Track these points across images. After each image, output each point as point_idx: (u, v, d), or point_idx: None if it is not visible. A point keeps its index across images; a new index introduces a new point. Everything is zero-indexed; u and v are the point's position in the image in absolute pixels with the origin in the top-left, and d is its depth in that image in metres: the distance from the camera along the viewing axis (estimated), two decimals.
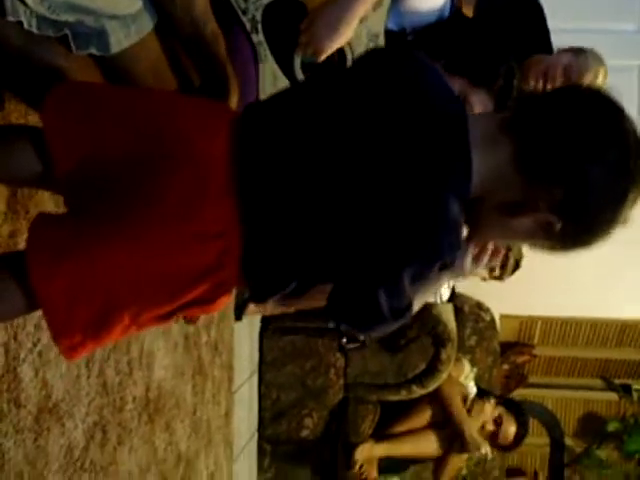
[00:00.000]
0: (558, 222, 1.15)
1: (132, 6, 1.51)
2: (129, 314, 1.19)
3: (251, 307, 3.62)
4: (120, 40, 1.50)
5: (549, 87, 2.50)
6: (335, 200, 1.16)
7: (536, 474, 5.35)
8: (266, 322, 4.06)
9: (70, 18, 1.43)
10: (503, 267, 3.58)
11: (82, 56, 1.48)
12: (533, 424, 5.09)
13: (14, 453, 1.65)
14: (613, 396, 5.65)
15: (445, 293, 3.79)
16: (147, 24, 1.55)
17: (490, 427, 3.95)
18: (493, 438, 3.95)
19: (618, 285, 5.01)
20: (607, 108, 1.14)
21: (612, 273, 5.02)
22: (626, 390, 5.60)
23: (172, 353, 2.66)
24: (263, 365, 4.02)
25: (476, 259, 1.40)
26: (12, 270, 1.17)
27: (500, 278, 3.63)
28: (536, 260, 4.25)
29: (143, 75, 1.57)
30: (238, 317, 3.55)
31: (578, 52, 2.91)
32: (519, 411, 4.08)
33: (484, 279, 3.67)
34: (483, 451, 3.89)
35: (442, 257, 1.16)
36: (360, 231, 1.15)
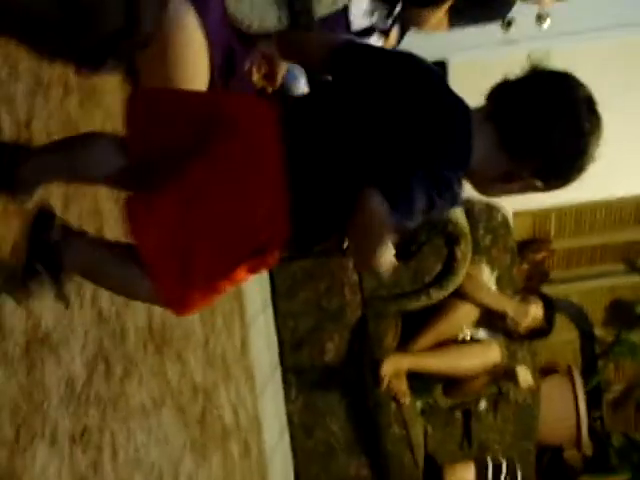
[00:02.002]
0: (540, 182, 1.53)
1: None
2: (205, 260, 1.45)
3: None
4: None
5: None
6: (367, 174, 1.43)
7: (570, 369, 5.24)
8: None
9: None
10: None
11: None
12: (560, 320, 4.97)
13: (6, 386, 1.52)
14: (637, 278, 5.52)
15: None
16: None
17: None
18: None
19: (627, 161, 4.86)
20: (560, 89, 1.50)
21: (620, 151, 4.86)
22: None
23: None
24: (276, 296, 3.89)
25: None
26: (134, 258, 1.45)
27: None
28: None
29: None
30: None
31: None
32: (540, 293, 3.98)
33: None
34: (531, 315, 3.78)
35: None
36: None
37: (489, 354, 3.83)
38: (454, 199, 1.48)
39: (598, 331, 5.51)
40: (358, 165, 1.46)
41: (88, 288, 1.92)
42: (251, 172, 1.44)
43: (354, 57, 1.58)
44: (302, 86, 2.55)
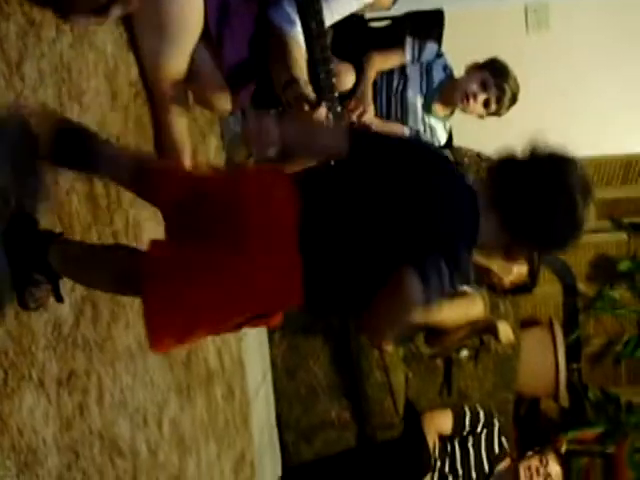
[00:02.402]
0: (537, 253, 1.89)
1: None
2: (208, 325, 1.60)
3: None
4: None
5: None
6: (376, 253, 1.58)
7: (551, 322, 5.29)
8: None
9: None
10: (499, 101, 3.41)
11: None
12: (544, 273, 5.00)
13: None
14: (622, 236, 5.55)
15: (442, 136, 3.62)
16: None
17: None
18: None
19: (619, 119, 4.86)
20: (557, 177, 1.62)
21: (612, 108, 4.86)
22: (635, 228, 5.50)
23: (161, 223, 2.52)
24: None
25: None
26: (131, 259, 1.64)
27: (497, 113, 3.47)
28: (533, 101, 4.13)
29: None
30: None
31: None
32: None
33: (481, 116, 3.50)
34: (515, 270, 3.80)
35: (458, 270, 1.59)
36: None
37: (472, 307, 3.86)
38: (466, 277, 1.72)
39: (581, 286, 5.55)
40: (373, 245, 1.58)
41: (77, 231, 1.92)
42: (268, 246, 1.55)
43: (371, 148, 1.67)
44: (298, 30, 2.53)
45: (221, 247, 1.54)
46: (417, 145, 1.75)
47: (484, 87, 3.43)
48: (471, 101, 3.43)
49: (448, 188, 1.64)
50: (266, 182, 1.64)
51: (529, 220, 1.63)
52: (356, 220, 1.58)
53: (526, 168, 1.65)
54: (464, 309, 3.84)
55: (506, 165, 1.67)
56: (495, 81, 3.42)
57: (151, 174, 1.75)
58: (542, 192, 1.62)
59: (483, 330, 3.93)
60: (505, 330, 3.84)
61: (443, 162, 1.73)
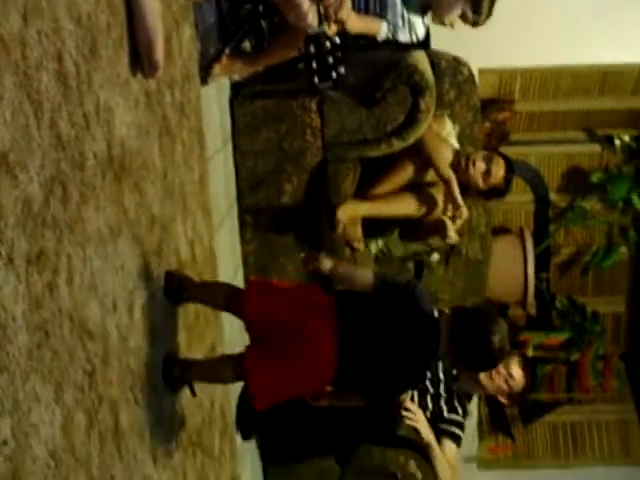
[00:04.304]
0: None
1: None
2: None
3: (217, 69, 3.39)
4: None
5: None
6: (387, 360, 2.61)
7: (522, 230, 5.33)
8: (236, 89, 3.85)
9: None
10: (476, 11, 3.34)
11: None
12: (517, 182, 5.02)
13: None
14: (596, 148, 5.57)
15: (421, 31, 3.55)
16: None
17: (483, 165, 3.85)
18: (485, 178, 3.87)
19: (599, 29, 4.81)
20: (486, 328, 2.58)
21: (593, 16, 4.80)
22: (609, 141, 5.52)
23: (133, 110, 2.46)
24: (236, 133, 3.83)
25: None
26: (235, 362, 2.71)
27: (475, 24, 3.40)
28: (512, 7, 4.05)
29: None
30: (204, 80, 3.33)
31: None
32: (501, 154, 3.98)
33: (454, 25, 3.43)
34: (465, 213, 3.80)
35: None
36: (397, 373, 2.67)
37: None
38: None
39: (553, 196, 5.58)
40: (385, 357, 2.59)
41: (47, 109, 1.87)
42: (316, 347, 2.55)
43: (389, 296, 2.63)
44: None
45: (293, 352, 2.56)
46: (417, 295, 2.62)
47: None
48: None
49: (426, 327, 2.59)
50: (316, 305, 2.63)
51: (463, 350, 2.59)
52: (370, 333, 2.56)
53: (468, 318, 2.62)
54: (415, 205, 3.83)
55: (458, 313, 2.68)
56: None
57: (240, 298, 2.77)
58: (474, 335, 2.57)
59: (433, 228, 3.91)
60: (451, 229, 3.82)
61: (429, 310, 2.65)
